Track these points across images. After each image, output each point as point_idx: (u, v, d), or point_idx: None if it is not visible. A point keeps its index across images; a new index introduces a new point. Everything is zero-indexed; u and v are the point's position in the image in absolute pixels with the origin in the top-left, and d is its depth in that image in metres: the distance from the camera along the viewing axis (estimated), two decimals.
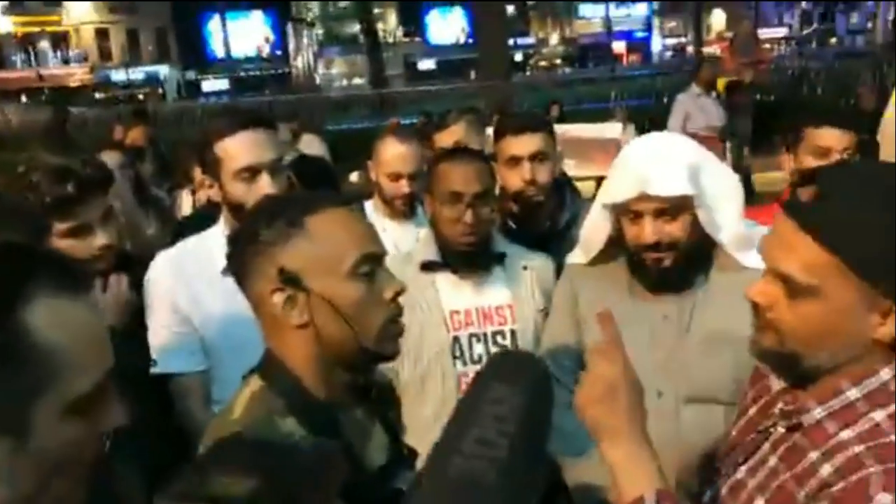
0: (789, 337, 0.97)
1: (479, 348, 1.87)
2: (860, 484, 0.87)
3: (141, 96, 31.85)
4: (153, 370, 1.74)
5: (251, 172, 1.70)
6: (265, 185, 1.70)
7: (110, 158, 2.98)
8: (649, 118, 9.90)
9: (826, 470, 0.92)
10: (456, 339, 1.86)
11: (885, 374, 0.94)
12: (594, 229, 1.70)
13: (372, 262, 1.08)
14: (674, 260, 1.56)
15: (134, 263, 1.80)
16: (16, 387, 0.67)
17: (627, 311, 1.64)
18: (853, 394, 0.95)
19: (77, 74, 36.30)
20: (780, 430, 1.03)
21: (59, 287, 0.72)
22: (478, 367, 1.84)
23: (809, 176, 0.97)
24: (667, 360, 1.60)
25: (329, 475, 0.58)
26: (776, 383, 1.09)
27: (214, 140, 1.72)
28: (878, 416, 0.93)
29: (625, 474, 0.95)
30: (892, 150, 5.71)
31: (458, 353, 1.86)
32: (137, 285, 1.75)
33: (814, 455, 0.96)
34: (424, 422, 1.84)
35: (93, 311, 0.76)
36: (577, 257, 1.79)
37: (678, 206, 1.52)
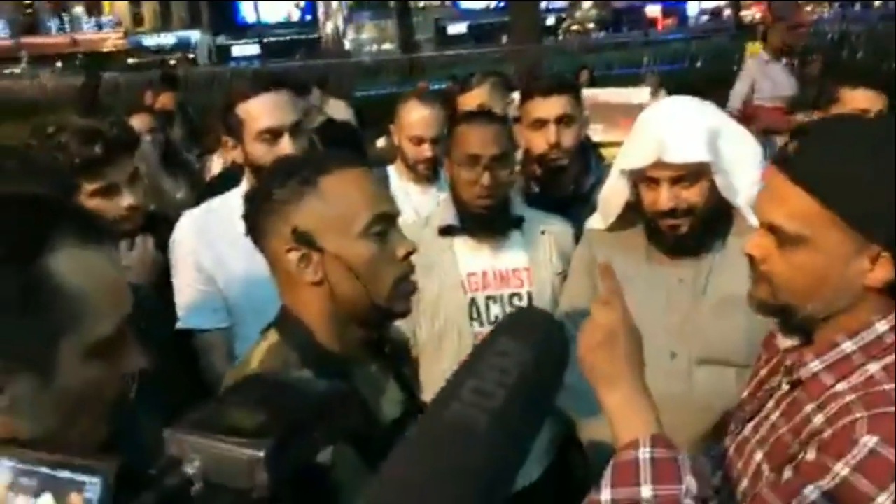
0: (782, 288, 0.99)
1: (495, 309, 1.90)
2: (846, 429, 0.89)
3: (172, 61, 32.03)
4: (178, 326, 1.80)
5: (273, 134, 1.74)
6: (286, 147, 1.74)
7: (140, 122, 3.04)
8: (682, 83, 9.72)
9: (819, 419, 0.94)
10: (473, 301, 1.89)
11: (881, 326, 0.95)
12: (612, 194, 1.71)
13: (384, 221, 1.10)
14: (690, 226, 1.56)
15: (160, 224, 1.85)
16: (41, 327, 0.71)
17: (644, 275, 1.66)
18: (848, 346, 0.96)
19: (110, 40, 36.58)
20: (785, 387, 1.05)
21: (83, 238, 0.76)
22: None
23: (797, 131, 0.98)
24: (682, 323, 1.62)
25: (338, 411, 0.61)
26: (783, 342, 1.10)
27: (237, 101, 1.76)
28: (873, 368, 0.94)
29: (621, 419, 0.96)
30: None
31: (475, 315, 1.89)
32: (163, 246, 1.80)
33: (809, 407, 0.97)
34: (441, 378, 1.87)
35: (113, 262, 0.80)
36: (596, 222, 1.80)
37: (695, 173, 1.52)
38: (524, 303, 1.91)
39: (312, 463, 0.58)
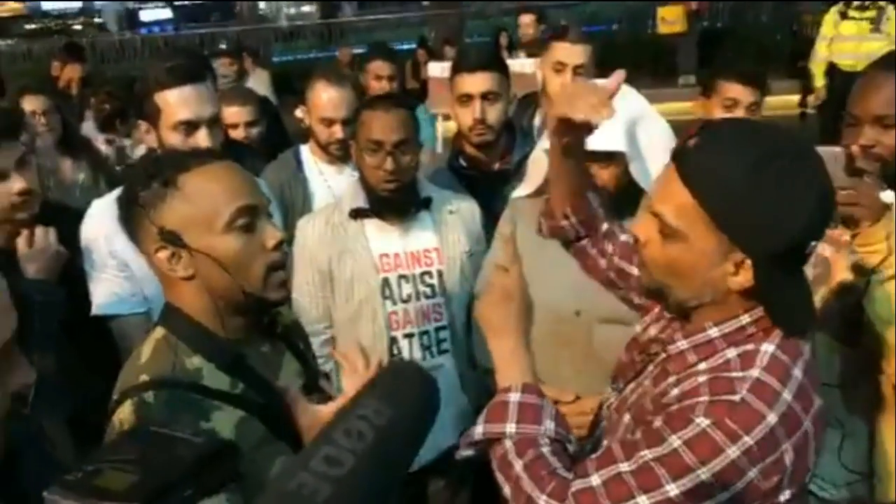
0: (658, 271, 1.08)
1: (407, 288, 1.96)
2: (688, 408, 0.99)
3: (77, 27, 30.16)
4: (94, 312, 1.78)
5: (189, 126, 1.74)
6: (202, 139, 1.74)
7: (33, 104, 2.91)
8: (600, 44, 9.82)
9: (674, 393, 1.04)
10: (385, 280, 1.94)
11: (745, 318, 1.05)
12: (536, 166, 1.80)
13: (248, 214, 1.11)
14: (604, 200, 1.65)
15: (62, 216, 1.82)
16: None
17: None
18: (714, 332, 1.06)
19: (6, 4, 34.26)
20: (662, 354, 1.14)
21: None
22: (407, 305, 1.95)
23: (700, 127, 1.04)
24: (587, 284, 1.73)
25: (215, 465, 0.63)
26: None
27: (155, 90, 1.75)
28: (731, 353, 1.04)
29: (504, 365, 1.13)
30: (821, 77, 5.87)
31: (387, 294, 1.95)
32: (65, 238, 1.76)
33: (672, 379, 1.08)
34: None
35: None
36: (521, 190, 1.88)
37: (611, 155, 1.61)
38: (435, 280, 1.97)
39: None
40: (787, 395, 0.98)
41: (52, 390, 1.19)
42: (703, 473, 0.95)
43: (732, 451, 0.94)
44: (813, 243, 0.99)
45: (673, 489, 0.96)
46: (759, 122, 2.13)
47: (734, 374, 1.00)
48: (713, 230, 0.99)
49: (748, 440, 0.95)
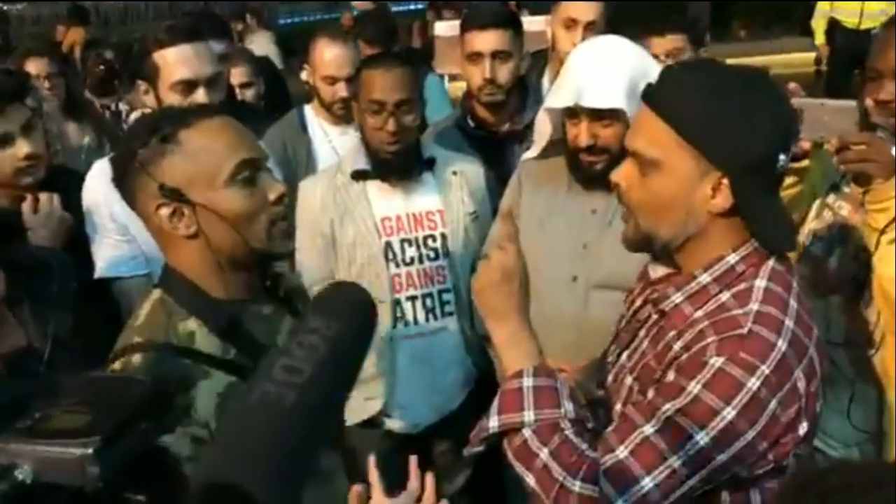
0: (641, 215, 1.07)
1: (410, 251, 1.94)
2: (699, 352, 0.99)
3: None
4: (97, 275, 1.79)
5: (188, 85, 1.73)
6: (200, 98, 1.73)
7: (37, 67, 2.89)
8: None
9: (678, 345, 1.03)
10: (388, 244, 1.93)
11: (732, 258, 1.05)
12: (542, 126, 1.78)
13: (249, 167, 1.11)
14: (606, 163, 1.62)
15: (66, 180, 1.81)
16: None
17: (561, 202, 1.76)
18: (705, 278, 1.05)
19: None
20: (654, 317, 1.13)
21: None
22: (410, 268, 1.94)
23: (665, 70, 1.09)
24: (585, 250, 1.71)
25: (163, 404, 0.64)
26: (654, 273, 1.18)
27: (153, 49, 1.74)
28: (724, 296, 1.03)
29: (509, 351, 1.08)
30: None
31: (390, 256, 1.93)
32: (70, 204, 1.75)
33: (671, 334, 1.06)
34: None
35: None
36: (530, 152, 1.86)
37: (613, 112, 1.57)
38: (438, 243, 1.95)
39: (152, 449, 0.61)
40: (789, 322, 0.99)
41: (66, 351, 1.21)
42: (729, 413, 0.95)
43: (752, 383, 0.95)
44: (782, 157, 1.01)
45: (703, 437, 0.95)
46: (711, 58, 2.15)
47: (735, 312, 1.00)
48: (688, 151, 1.01)
49: (764, 369, 0.95)
